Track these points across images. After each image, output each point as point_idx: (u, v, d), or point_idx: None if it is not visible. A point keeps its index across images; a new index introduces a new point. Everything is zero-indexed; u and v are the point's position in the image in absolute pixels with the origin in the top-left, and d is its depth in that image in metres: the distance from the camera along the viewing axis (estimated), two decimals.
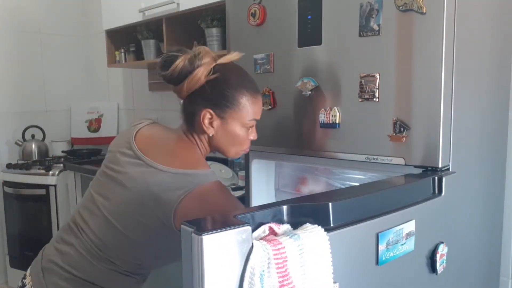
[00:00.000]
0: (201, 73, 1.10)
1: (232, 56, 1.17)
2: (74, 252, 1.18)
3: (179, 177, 1.09)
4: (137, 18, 2.66)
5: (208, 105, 1.12)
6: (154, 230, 1.10)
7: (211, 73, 1.11)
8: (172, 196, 1.05)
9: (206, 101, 1.12)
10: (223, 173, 2.35)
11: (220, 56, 1.17)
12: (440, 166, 1.16)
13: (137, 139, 1.19)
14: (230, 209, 1.02)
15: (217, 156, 2.78)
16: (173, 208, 1.04)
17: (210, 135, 1.15)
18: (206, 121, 1.13)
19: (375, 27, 1.24)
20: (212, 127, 1.14)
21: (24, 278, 1.26)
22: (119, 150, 1.19)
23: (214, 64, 1.13)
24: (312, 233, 0.75)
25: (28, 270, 1.27)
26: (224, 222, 0.69)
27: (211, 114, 1.12)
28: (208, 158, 2.75)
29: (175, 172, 1.09)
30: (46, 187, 2.96)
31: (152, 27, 2.72)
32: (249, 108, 1.15)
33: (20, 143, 3.29)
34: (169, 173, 1.09)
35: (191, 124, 1.17)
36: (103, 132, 3.56)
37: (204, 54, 1.11)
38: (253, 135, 1.21)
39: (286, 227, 0.77)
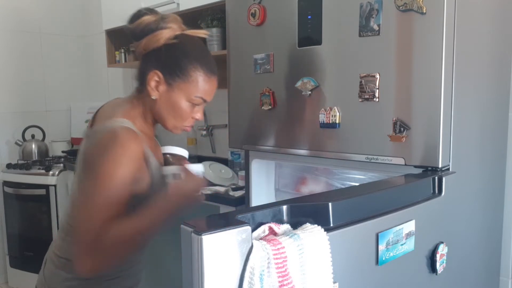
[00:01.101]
0: (162, 35, 1.10)
1: (199, 32, 1.16)
2: (58, 237, 1.21)
3: (95, 131, 1.12)
4: None
5: (159, 67, 1.11)
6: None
7: (173, 39, 1.11)
8: (82, 147, 1.12)
9: (159, 63, 1.11)
10: (223, 173, 2.35)
11: (192, 31, 1.17)
12: (440, 166, 1.16)
13: (94, 118, 1.22)
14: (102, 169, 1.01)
15: (217, 156, 2.78)
16: (80, 158, 1.10)
17: (153, 97, 1.12)
18: (153, 83, 1.11)
19: (375, 27, 1.24)
20: (157, 91, 1.12)
21: None
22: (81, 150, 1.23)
23: (179, 32, 1.13)
24: (312, 233, 0.75)
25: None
26: (224, 222, 0.69)
27: (159, 77, 1.11)
28: (208, 158, 2.75)
29: (94, 129, 1.14)
30: (46, 187, 2.96)
31: None
32: (199, 84, 1.12)
33: (20, 143, 3.29)
34: (91, 131, 1.14)
35: (140, 83, 1.16)
36: None
37: (172, 20, 1.12)
38: (198, 115, 1.18)
39: (286, 227, 0.77)
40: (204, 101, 1.16)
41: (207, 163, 2.38)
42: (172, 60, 1.11)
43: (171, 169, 1.22)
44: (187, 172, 1.17)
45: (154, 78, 1.11)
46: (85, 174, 1.08)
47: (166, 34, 1.10)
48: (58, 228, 2.92)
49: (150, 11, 1.13)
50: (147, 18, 1.10)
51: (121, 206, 1.01)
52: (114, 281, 1.18)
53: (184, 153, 1.32)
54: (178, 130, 1.20)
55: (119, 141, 1.03)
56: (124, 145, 1.03)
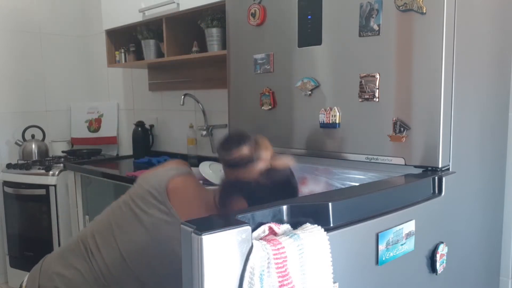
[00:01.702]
0: (257, 169, 1.09)
1: (288, 161, 1.15)
2: (79, 277, 1.15)
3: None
4: (137, 18, 2.66)
5: (244, 195, 1.10)
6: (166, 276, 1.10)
7: (265, 174, 1.09)
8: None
9: (244, 193, 1.10)
10: (223, 173, 2.35)
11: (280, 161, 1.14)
12: (440, 166, 1.16)
13: (169, 187, 1.17)
14: None
15: (217, 156, 2.77)
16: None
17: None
18: (234, 208, 1.10)
19: (375, 27, 1.24)
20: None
21: (22, 282, 1.24)
22: (149, 190, 1.17)
23: (270, 164, 1.11)
24: (312, 233, 0.75)
25: (25, 280, 1.24)
26: (224, 222, 0.69)
27: (243, 205, 1.08)
28: (208, 158, 2.75)
29: None
30: (46, 187, 2.96)
31: (152, 27, 2.72)
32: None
33: (20, 143, 3.28)
34: None
35: (222, 204, 1.14)
36: (103, 132, 3.56)
37: (264, 147, 1.11)
38: None
39: (286, 227, 0.77)
40: None
41: (207, 163, 2.37)
42: (257, 198, 1.05)
43: None
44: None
45: (238, 206, 1.09)
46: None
47: (259, 167, 1.09)
48: (58, 231, 2.93)
49: (241, 135, 1.14)
50: (246, 150, 1.09)
51: None
52: None
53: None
54: None
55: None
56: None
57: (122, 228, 1.16)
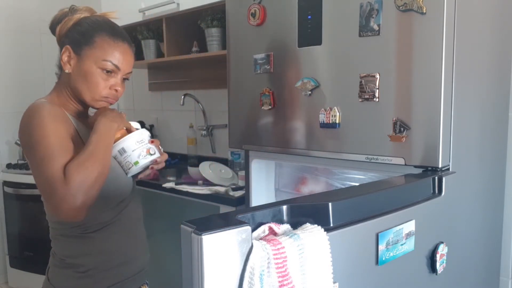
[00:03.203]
0: (72, 19, 1.18)
1: (110, 13, 1.23)
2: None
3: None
4: (137, 18, 2.66)
5: (68, 42, 1.16)
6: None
7: (82, 19, 1.18)
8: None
9: (69, 39, 1.16)
10: (223, 173, 2.35)
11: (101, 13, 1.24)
12: (440, 166, 1.16)
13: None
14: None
15: (217, 156, 2.78)
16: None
17: (66, 71, 1.16)
18: (65, 58, 1.15)
19: (375, 27, 1.24)
20: (70, 64, 1.16)
21: None
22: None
23: (87, 14, 1.20)
24: (312, 233, 0.75)
25: None
26: (224, 222, 0.69)
27: (69, 50, 1.15)
28: (208, 158, 2.75)
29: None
30: None
31: (152, 27, 2.72)
32: (105, 47, 1.14)
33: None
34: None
35: (59, 68, 1.21)
36: None
37: (84, 9, 1.20)
38: (118, 88, 1.18)
39: (286, 227, 0.77)
40: (117, 67, 1.16)
41: (207, 163, 2.38)
42: (78, 32, 1.16)
43: (115, 146, 1.18)
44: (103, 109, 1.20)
45: (66, 53, 1.15)
46: (26, 152, 1.11)
47: (75, 18, 1.18)
48: None
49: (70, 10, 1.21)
50: (59, 12, 1.20)
51: (69, 154, 1.05)
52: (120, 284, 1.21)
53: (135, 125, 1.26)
54: (98, 103, 1.19)
55: (35, 108, 1.10)
56: (41, 110, 1.09)
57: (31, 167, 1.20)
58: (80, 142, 1.14)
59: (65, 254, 1.19)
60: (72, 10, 1.20)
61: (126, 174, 1.18)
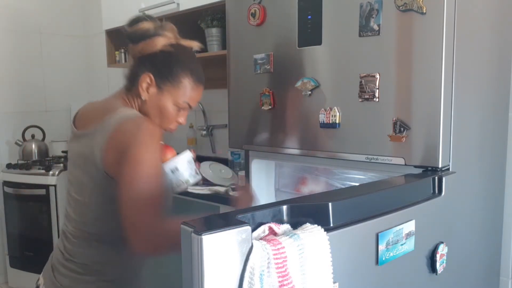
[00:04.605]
0: (159, 42, 1.17)
1: (193, 43, 1.25)
2: (67, 242, 1.21)
3: (104, 125, 1.11)
4: None
5: (152, 71, 1.16)
6: (99, 186, 1.13)
7: (169, 47, 1.18)
8: (96, 144, 1.09)
9: (152, 67, 1.17)
10: (223, 173, 2.35)
11: (186, 42, 1.25)
12: (440, 166, 1.16)
13: (76, 121, 1.24)
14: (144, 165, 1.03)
15: (217, 156, 2.78)
16: (102, 150, 1.08)
17: (143, 98, 1.18)
18: (144, 85, 1.17)
19: (375, 27, 1.24)
20: (147, 92, 1.17)
21: (37, 280, 1.30)
22: (68, 140, 1.26)
23: (175, 41, 1.20)
24: (312, 233, 0.75)
25: (40, 278, 1.31)
26: (224, 222, 0.69)
27: (151, 79, 1.16)
28: (208, 158, 2.75)
29: (101, 124, 1.12)
30: (46, 187, 2.96)
31: None
32: (187, 90, 1.19)
33: (20, 143, 3.28)
34: (97, 129, 1.12)
35: (131, 83, 1.20)
36: None
37: (169, 29, 1.20)
38: (182, 119, 1.23)
39: (286, 227, 0.77)
40: (190, 107, 1.22)
41: (207, 163, 2.38)
42: (165, 66, 1.17)
43: (169, 165, 1.24)
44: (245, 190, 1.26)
45: (146, 80, 1.16)
46: (118, 168, 1.06)
47: (162, 41, 1.17)
48: (58, 231, 2.93)
49: (149, 18, 1.19)
50: (146, 24, 1.17)
51: (162, 194, 1.05)
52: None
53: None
54: (161, 131, 1.23)
55: (146, 128, 1.07)
56: (152, 132, 1.08)
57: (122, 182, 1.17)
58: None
59: (94, 260, 1.17)
60: (158, 27, 1.18)
61: (174, 191, 1.25)
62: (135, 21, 1.18)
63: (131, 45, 1.20)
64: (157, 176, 1.05)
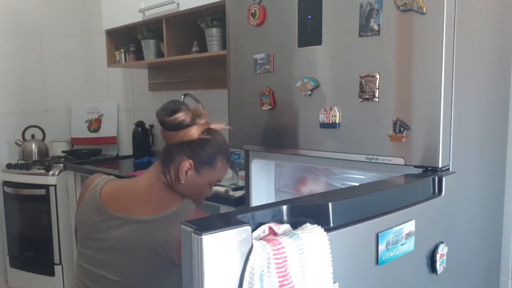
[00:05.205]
0: (195, 131, 1.23)
1: (222, 125, 1.32)
2: None
3: (167, 218, 1.19)
4: (137, 18, 2.66)
5: (192, 157, 1.24)
6: (163, 273, 1.17)
7: (205, 133, 1.24)
8: (167, 236, 1.15)
9: (193, 154, 1.24)
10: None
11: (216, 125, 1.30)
12: (440, 166, 1.16)
13: (104, 200, 1.26)
14: None
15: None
16: (173, 245, 1.14)
17: (182, 182, 1.24)
18: (184, 170, 1.23)
19: (375, 27, 1.24)
20: (186, 176, 1.24)
21: None
22: (93, 219, 1.25)
23: (207, 126, 1.26)
24: (312, 233, 0.75)
25: None
26: (224, 222, 0.69)
27: (191, 165, 1.24)
28: None
29: (161, 216, 1.20)
30: (46, 187, 2.96)
31: (152, 27, 2.72)
32: (221, 172, 1.31)
33: (20, 143, 3.29)
34: (156, 219, 1.19)
35: (167, 166, 1.26)
36: (103, 132, 3.56)
37: (202, 115, 1.25)
38: (210, 193, 1.35)
39: (286, 227, 0.77)
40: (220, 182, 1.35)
41: None
42: (204, 152, 1.25)
43: None
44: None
45: (186, 166, 1.23)
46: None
47: (198, 130, 1.23)
48: (58, 231, 2.93)
49: (183, 105, 1.25)
50: (183, 116, 1.21)
51: None
52: None
53: None
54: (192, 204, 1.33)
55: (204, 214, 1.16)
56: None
57: (101, 267, 1.23)
58: None
59: None
60: (194, 117, 1.22)
61: None
62: (173, 111, 1.21)
63: (166, 132, 1.24)
64: None
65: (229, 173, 2.39)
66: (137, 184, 1.30)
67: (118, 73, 3.51)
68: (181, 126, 1.21)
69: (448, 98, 1.15)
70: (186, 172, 1.23)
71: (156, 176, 1.27)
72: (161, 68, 3.08)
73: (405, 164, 1.21)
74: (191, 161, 1.23)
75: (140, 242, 1.17)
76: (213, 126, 1.28)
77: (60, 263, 2.93)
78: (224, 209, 1.99)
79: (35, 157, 3.25)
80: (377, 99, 1.25)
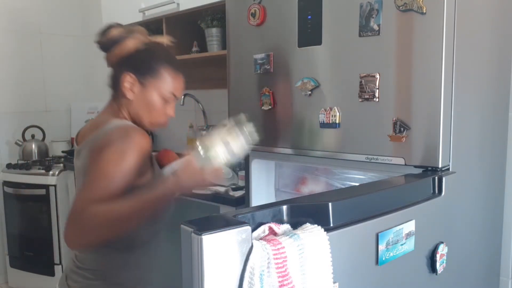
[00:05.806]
0: (130, 43, 1.21)
1: (163, 39, 1.29)
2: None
3: (92, 138, 1.17)
4: (137, 18, 2.66)
5: (131, 70, 1.20)
6: None
7: (142, 45, 1.22)
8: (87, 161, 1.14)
9: (131, 67, 1.21)
10: (223, 173, 2.35)
11: (157, 38, 1.29)
12: (440, 166, 1.16)
13: (78, 138, 1.28)
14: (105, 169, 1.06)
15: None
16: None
17: (129, 98, 1.21)
18: (127, 84, 1.20)
19: (375, 27, 1.24)
20: (132, 91, 1.21)
21: None
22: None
23: (146, 41, 1.24)
24: (312, 233, 0.75)
25: (57, 284, 1.35)
26: (224, 222, 0.69)
27: (132, 77, 1.20)
28: None
29: (87, 141, 1.19)
30: (46, 187, 2.96)
31: (152, 27, 2.72)
32: (169, 81, 1.23)
33: (20, 143, 3.28)
34: (84, 143, 1.20)
35: (115, 89, 1.24)
36: None
37: (139, 31, 1.24)
38: (170, 111, 1.26)
39: (286, 227, 0.77)
40: (175, 97, 1.26)
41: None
42: (143, 62, 1.21)
43: (172, 167, 1.25)
44: (188, 163, 1.15)
45: (127, 80, 1.20)
46: (90, 165, 1.12)
47: (133, 42, 1.22)
48: (59, 231, 2.93)
49: (118, 25, 1.24)
50: (115, 31, 1.22)
51: (117, 194, 1.05)
52: None
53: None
54: (155, 126, 1.27)
55: (130, 135, 1.11)
56: (135, 139, 1.11)
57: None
58: (148, 161, 1.19)
59: (103, 265, 1.20)
60: (128, 31, 1.22)
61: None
62: (104, 31, 1.23)
63: (107, 54, 1.24)
64: (116, 180, 1.05)
65: (229, 173, 2.39)
66: (96, 116, 1.31)
67: None
68: (114, 41, 1.21)
69: (448, 98, 1.15)
70: (131, 87, 1.20)
71: (109, 103, 1.27)
72: None
73: (405, 164, 1.21)
74: (130, 73, 1.19)
75: (78, 169, 1.19)
76: (154, 39, 1.27)
77: (60, 263, 2.93)
78: (224, 209, 1.99)
79: (35, 157, 3.25)
80: (377, 99, 1.25)
